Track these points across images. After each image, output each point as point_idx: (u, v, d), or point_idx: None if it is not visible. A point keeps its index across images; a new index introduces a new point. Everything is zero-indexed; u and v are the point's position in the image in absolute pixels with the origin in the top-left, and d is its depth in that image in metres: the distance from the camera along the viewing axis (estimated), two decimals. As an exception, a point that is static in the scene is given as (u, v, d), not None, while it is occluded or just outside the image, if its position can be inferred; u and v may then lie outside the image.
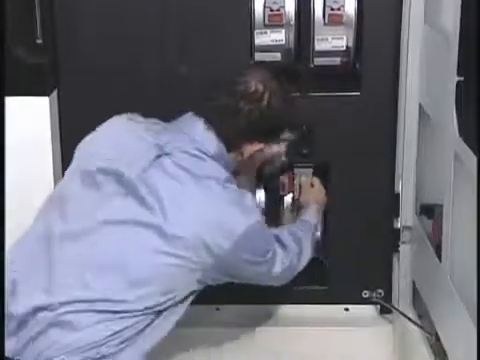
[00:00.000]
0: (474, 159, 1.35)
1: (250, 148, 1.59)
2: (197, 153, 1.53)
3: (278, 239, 1.67)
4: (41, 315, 1.45)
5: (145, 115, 1.65)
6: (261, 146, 1.60)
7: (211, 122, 1.55)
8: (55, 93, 1.87)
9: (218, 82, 1.56)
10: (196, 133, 1.55)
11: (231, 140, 1.57)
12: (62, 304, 1.45)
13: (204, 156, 1.54)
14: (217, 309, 2.07)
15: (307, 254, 1.75)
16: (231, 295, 1.91)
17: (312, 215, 1.86)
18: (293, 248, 1.70)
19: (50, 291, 1.46)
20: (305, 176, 2.00)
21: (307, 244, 1.75)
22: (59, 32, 1.85)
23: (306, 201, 1.92)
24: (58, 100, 1.89)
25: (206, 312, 2.04)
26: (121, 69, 1.87)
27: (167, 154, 1.53)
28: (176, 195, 1.49)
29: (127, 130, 1.60)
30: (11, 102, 1.52)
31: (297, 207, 1.96)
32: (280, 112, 1.57)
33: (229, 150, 1.57)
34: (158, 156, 1.52)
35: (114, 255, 1.48)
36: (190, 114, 1.59)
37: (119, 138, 1.59)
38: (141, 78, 1.88)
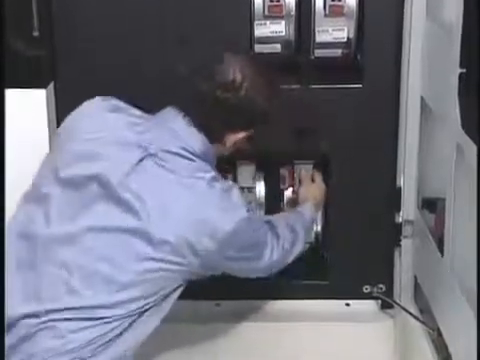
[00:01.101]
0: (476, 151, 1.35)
1: (233, 137, 1.58)
2: (182, 152, 1.51)
3: (272, 227, 1.66)
4: (27, 321, 1.45)
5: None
6: (244, 134, 1.58)
7: (193, 114, 1.53)
8: (52, 85, 1.87)
9: (197, 72, 1.52)
10: (179, 129, 1.53)
11: (213, 130, 1.55)
12: (49, 312, 1.45)
13: (189, 155, 1.52)
14: (217, 304, 2.07)
15: (299, 246, 1.74)
16: (231, 290, 1.93)
17: (308, 210, 1.85)
18: (286, 238, 1.69)
19: (36, 297, 1.45)
20: (306, 170, 2.00)
21: (300, 236, 1.74)
22: (56, 24, 1.85)
23: (305, 196, 1.91)
24: (55, 92, 1.89)
25: (206, 308, 2.05)
26: (119, 61, 1.87)
27: (151, 155, 1.50)
28: (161, 199, 1.46)
29: (107, 125, 1.55)
30: (8, 94, 1.51)
31: (295, 201, 1.96)
32: (260, 99, 1.54)
33: (212, 141, 1.55)
34: (141, 159, 1.49)
35: (100, 262, 1.46)
36: (170, 108, 1.55)
37: (98, 136, 1.53)
38: (139, 70, 1.87)
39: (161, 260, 1.46)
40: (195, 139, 1.53)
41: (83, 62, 1.88)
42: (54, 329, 1.44)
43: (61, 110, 1.86)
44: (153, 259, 1.45)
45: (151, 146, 1.50)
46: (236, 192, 1.54)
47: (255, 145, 1.78)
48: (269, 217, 1.74)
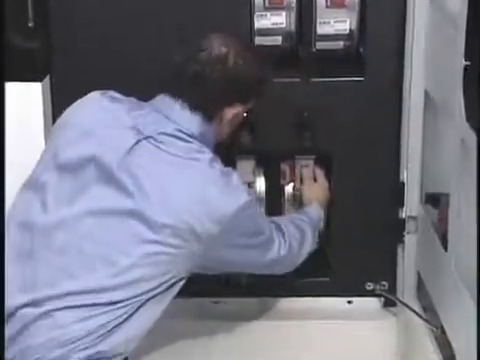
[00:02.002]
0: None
1: (229, 112, 1.59)
2: (179, 134, 1.53)
3: (276, 225, 1.67)
4: (25, 311, 1.45)
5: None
6: (240, 107, 1.60)
7: (187, 97, 1.55)
8: (48, 79, 1.87)
9: (183, 54, 1.57)
10: (174, 113, 1.54)
11: (209, 109, 1.56)
12: (48, 298, 1.45)
13: (186, 137, 1.53)
14: (216, 302, 2.07)
15: (308, 245, 1.75)
16: (230, 288, 1.95)
17: (314, 209, 1.86)
18: (293, 235, 1.70)
19: (34, 285, 1.46)
20: (307, 167, 2.00)
21: (308, 234, 1.75)
22: (52, 15, 1.85)
23: (308, 198, 1.91)
24: (51, 86, 1.88)
25: (204, 305, 2.05)
26: (115, 54, 1.87)
27: (147, 137, 1.51)
28: (160, 181, 1.47)
29: (104, 111, 1.58)
30: (3, 88, 1.50)
31: (298, 202, 1.97)
32: (249, 68, 1.57)
33: (209, 120, 1.57)
34: (138, 141, 1.51)
35: (100, 246, 1.47)
36: (163, 95, 1.58)
37: (95, 121, 1.56)
38: (136, 63, 1.87)
39: (162, 243, 1.46)
40: (190, 121, 1.55)
41: (80, 55, 1.88)
42: (53, 319, 1.44)
43: (57, 104, 1.86)
44: (154, 242, 1.46)
45: (147, 129, 1.52)
46: (236, 176, 1.54)
47: (254, 139, 1.87)
48: (273, 218, 1.74)
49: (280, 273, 1.71)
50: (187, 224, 1.46)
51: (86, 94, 1.63)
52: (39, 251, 1.48)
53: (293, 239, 1.69)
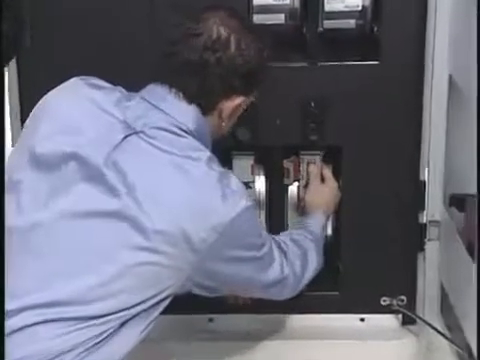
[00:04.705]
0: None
1: (229, 105, 1.56)
2: (172, 128, 1.51)
3: (276, 242, 1.66)
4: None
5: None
6: (242, 99, 1.57)
7: (181, 85, 1.53)
8: (14, 62, 1.85)
9: (176, 37, 1.54)
10: (167, 104, 1.53)
11: (207, 100, 1.54)
12: (21, 311, 1.41)
13: (180, 132, 1.51)
14: (210, 319, 2.05)
15: (312, 267, 1.73)
16: (226, 303, 1.90)
17: (318, 224, 1.84)
18: (295, 255, 1.68)
19: (10, 297, 1.41)
20: (314, 165, 1.97)
21: (312, 256, 1.74)
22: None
23: (314, 203, 1.90)
24: (18, 71, 1.87)
25: (197, 323, 2.04)
26: (96, 34, 1.84)
27: (137, 132, 1.49)
28: (151, 181, 1.45)
29: (88, 102, 1.55)
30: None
31: (302, 208, 1.95)
32: (253, 54, 1.54)
33: (205, 113, 1.55)
34: (126, 136, 1.49)
35: (80, 252, 1.45)
36: (154, 84, 1.56)
37: (78, 112, 1.54)
38: (122, 44, 1.84)
39: (152, 250, 1.43)
40: (186, 114, 1.53)
41: (52, 37, 1.85)
42: (29, 334, 1.41)
43: (25, 90, 1.86)
44: (142, 248, 1.43)
45: (137, 122, 1.51)
46: (235, 179, 1.53)
47: (253, 133, 1.86)
48: (271, 235, 1.71)
49: (280, 298, 1.68)
50: (181, 230, 1.44)
51: (61, 82, 1.60)
52: (15, 258, 1.45)
53: (295, 260, 1.68)
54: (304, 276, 1.70)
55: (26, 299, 1.42)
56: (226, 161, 1.92)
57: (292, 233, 1.78)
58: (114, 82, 1.61)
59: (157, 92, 1.55)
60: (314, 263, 1.73)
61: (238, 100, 1.56)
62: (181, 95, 1.53)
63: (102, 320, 1.43)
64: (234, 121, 1.63)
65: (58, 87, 1.60)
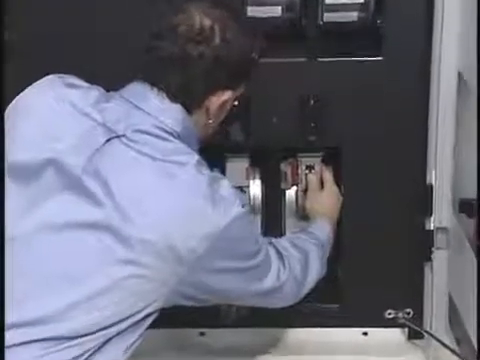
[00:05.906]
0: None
1: (216, 101, 1.53)
2: (156, 131, 1.48)
3: (274, 247, 1.64)
4: None
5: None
6: (229, 94, 1.54)
7: (162, 83, 1.50)
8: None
9: (156, 29, 1.50)
10: (150, 104, 1.50)
11: (191, 99, 1.52)
12: None
13: (166, 135, 1.49)
14: (202, 334, 2.04)
15: (314, 273, 1.71)
16: (218, 317, 1.91)
17: (321, 228, 1.82)
18: (295, 260, 1.66)
19: None
20: (313, 169, 1.96)
21: (314, 260, 1.71)
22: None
23: (314, 211, 1.89)
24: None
25: (189, 337, 2.03)
26: (73, 31, 1.82)
27: (119, 136, 1.46)
28: (135, 189, 1.43)
29: (65, 103, 1.52)
30: None
31: (302, 211, 1.94)
32: (239, 45, 1.51)
33: (191, 112, 1.52)
34: (107, 140, 1.46)
35: (60, 266, 1.42)
36: (136, 82, 1.53)
37: (54, 114, 1.51)
38: (100, 38, 1.82)
39: (136, 263, 1.41)
40: (169, 114, 1.51)
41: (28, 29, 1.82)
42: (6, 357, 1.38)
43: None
44: (127, 261, 1.41)
45: (118, 125, 1.48)
46: (226, 183, 1.50)
47: (248, 134, 1.86)
48: (270, 239, 1.71)
49: (279, 306, 1.65)
50: (167, 241, 1.41)
51: (36, 80, 1.57)
52: None
53: (295, 264, 1.64)
54: (306, 280, 1.67)
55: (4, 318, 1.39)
56: (218, 164, 1.91)
57: (292, 237, 1.76)
58: (98, 81, 1.57)
59: (138, 91, 1.52)
60: (317, 266, 1.71)
61: (225, 96, 1.53)
62: (164, 93, 1.50)
63: (83, 339, 1.41)
64: (222, 118, 1.61)
65: (34, 86, 1.56)
